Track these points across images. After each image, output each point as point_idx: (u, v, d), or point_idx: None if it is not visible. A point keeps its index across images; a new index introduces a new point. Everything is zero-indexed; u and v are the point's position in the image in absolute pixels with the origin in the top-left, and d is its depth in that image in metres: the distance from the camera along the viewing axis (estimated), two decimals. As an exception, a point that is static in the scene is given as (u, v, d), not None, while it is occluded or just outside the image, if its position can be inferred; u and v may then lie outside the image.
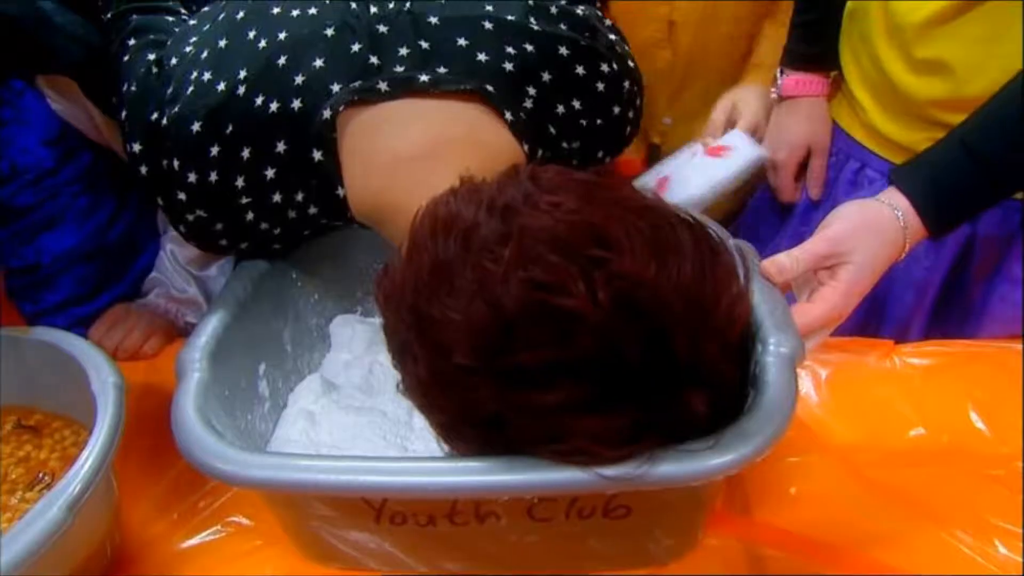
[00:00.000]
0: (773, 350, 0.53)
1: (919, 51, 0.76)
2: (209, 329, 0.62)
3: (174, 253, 0.96)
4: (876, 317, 0.89)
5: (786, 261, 0.61)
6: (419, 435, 0.65)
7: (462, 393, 0.46)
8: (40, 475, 0.65)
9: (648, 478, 0.46)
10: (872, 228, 0.62)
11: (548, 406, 0.44)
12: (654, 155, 1.15)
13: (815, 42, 0.90)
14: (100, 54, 0.71)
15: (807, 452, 0.68)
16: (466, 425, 0.48)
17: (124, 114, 0.67)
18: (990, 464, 0.68)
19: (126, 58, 0.68)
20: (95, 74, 0.73)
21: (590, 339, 0.42)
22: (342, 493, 0.51)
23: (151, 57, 0.67)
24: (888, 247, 0.62)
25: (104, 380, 0.61)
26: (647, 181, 0.93)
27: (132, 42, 0.69)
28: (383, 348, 0.76)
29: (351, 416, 0.68)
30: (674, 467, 0.47)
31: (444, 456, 0.51)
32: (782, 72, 0.93)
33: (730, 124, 0.95)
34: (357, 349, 0.76)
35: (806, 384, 0.76)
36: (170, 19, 0.72)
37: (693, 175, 0.89)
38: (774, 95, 0.94)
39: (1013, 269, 0.83)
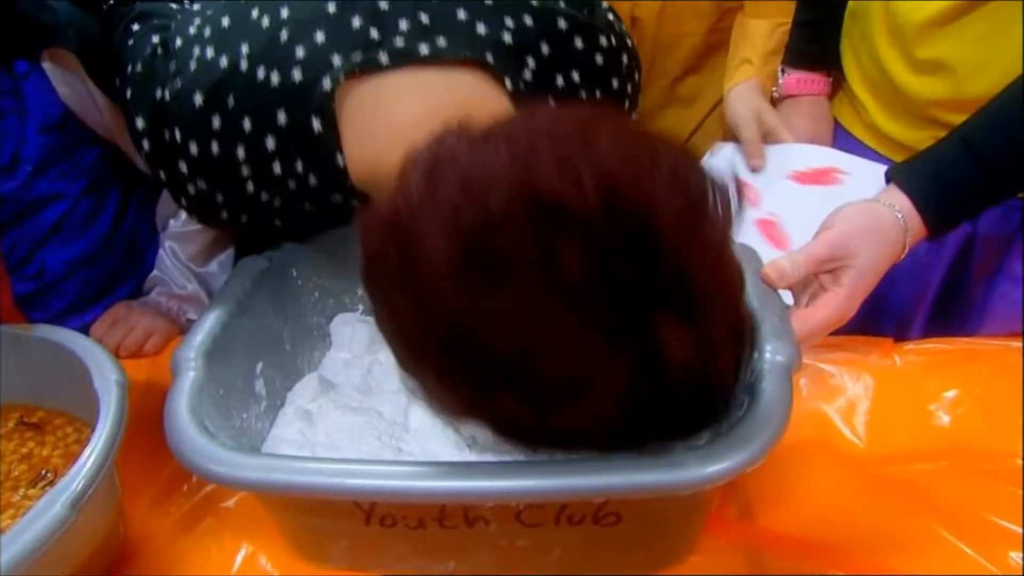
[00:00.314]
0: (769, 358, 0.53)
1: (920, 51, 0.76)
2: (205, 327, 0.62)
3: (173, 250, 0.96)
4: (877, 315, 0.89)
5: (786, 265, 0.61)
6: (414, 436, 0.65)
7: (433, 299, 0.44)
8: (43, 472, 0.65)
9: (637, 488, 0.46)
10: (873, 230, 0.62)
11: (520, 307, 0.42)
12: None
13: (815, 41, 0.90)
14: (100, 39, 0.71)
15: (807, 452, 0.68)
16: (433, 344, 0.45)
17: (129, 93, 0.67)
18: (991, 462, 0.68)
19: (131, 42, 0.69)
20: (97, 56, 0.73)
21: (574, 234, 0.41)
22: (327, 496, 0.51)
23: (156, 39, 0.68)
24: (889, 248, 0.62)
25: (107, 377, 0.61)
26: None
27: (136, 27, 0.70)
28: (383, 347, 0.76)
29: (348, 416, 0.68)
30: (663, 476, 0.46)
31: (433, 461, 0.51)
32: (783, 71, 0.92)
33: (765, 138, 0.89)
34: (357, 348, 0.76)
35: (806, 383, 0.76)
36: (174, 6, 0.73)
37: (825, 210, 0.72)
38: (775, 94, 0.94)
39: (1014, 267, 0.83)
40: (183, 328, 0.92)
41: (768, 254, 0.64)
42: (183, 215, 0.95)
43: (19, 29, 0.70)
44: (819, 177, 0.80)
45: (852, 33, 0.86)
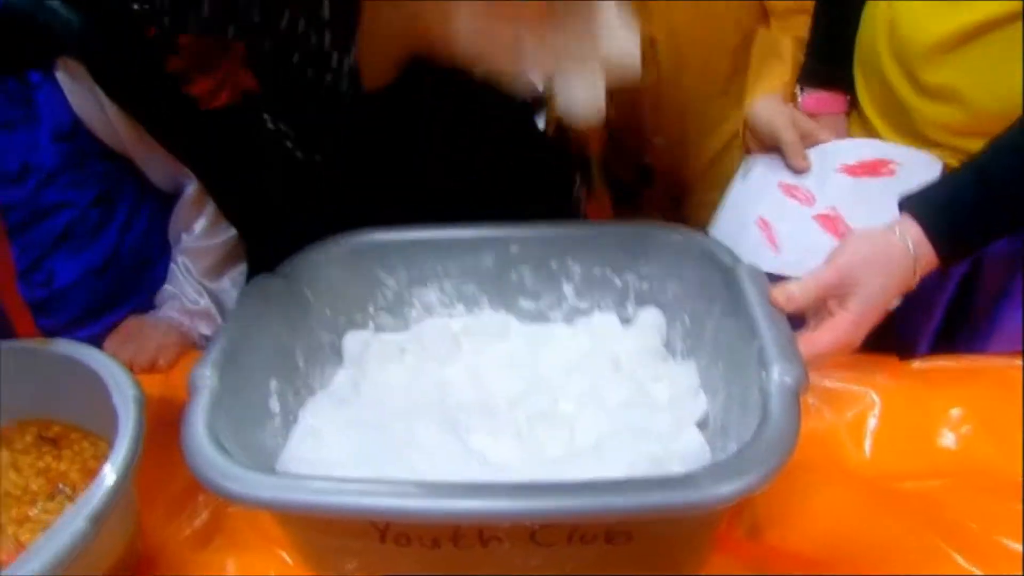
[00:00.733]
0: (777, 379, 0.53)
1: (927, 76, 0.76)
2: (221, 345, 0.63)
3: (186, 265, 0.97)
4: (883, 334, 0.90)
5: (795, 290, 0.62)
6: (425, 454, 0.65)
7: None
8: (60, 486, 0.66)
9: (650, 508, 0.47)
10: (882, 259, 0.62)
11: None
12: (645, 176, 1.15)
13: (828, 61, 0.90)
14: (112, 50, 0.72)
15: (815, 470, 0.68)
16: None
17: None
18: (996, 480, 0.68)
19: None
20: (109, 67, 0.74)
21: None
22: (344, 515, 0.51)
23: None
24: (897, 278, 0.62)
25: (125, 393, 0.62)
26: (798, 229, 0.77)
27: None
28: (395, 364, 0.77)
29: (359, 433, 0.68)
30: (676, 497, 0.47)
31: (449, 481, 0.52)
32: (802, 90, 0.93)
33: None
34: (369, 366, 0.76)
35: (813, 402, 0.77)
36: None
37: (886, 201, 0.70)
38: None
39: (1021, 287, 0.84)
40: (195, 343, 0.93)
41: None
42: (197, 229, 0.97)
43: (33, 39, 0.71)
44: (873, 169, 0.78)
45: (861, 56, 0.87)
